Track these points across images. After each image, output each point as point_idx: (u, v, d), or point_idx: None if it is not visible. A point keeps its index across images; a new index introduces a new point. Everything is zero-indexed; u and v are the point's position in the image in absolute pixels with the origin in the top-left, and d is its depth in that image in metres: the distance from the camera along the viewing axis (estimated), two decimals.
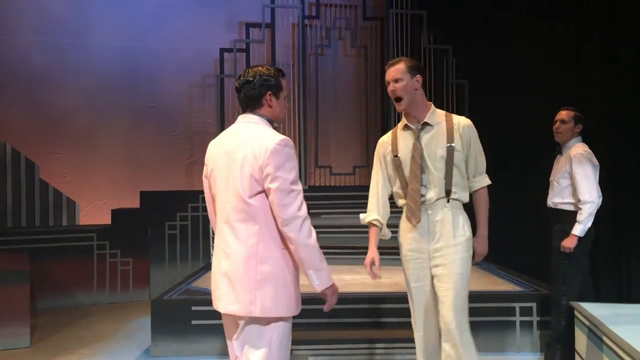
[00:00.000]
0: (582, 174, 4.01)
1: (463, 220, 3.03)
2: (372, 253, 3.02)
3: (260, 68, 2.51)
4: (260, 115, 2.49)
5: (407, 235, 3.07)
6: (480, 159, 3.10)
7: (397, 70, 2.99)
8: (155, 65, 7.80)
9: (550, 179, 4.34)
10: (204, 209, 6.58)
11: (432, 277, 3.01)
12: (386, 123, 7.56)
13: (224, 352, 4.49)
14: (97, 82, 7.64)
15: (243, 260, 2.36)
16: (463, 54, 7.23)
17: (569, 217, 4.08)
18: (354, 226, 6.50)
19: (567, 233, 4.05)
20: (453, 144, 2.98)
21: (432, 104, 3.11)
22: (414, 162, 2.99)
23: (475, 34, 7.12)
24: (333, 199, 7.23)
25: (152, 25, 7.82)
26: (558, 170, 4.24)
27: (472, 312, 4.51)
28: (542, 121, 4.81)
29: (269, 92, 2.48)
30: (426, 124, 3.03)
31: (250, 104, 2.49)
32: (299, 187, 2.36)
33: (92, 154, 7.64)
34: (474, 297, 4.66)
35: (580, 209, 4.00)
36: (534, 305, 4.61)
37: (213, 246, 2.65)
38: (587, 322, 3.66)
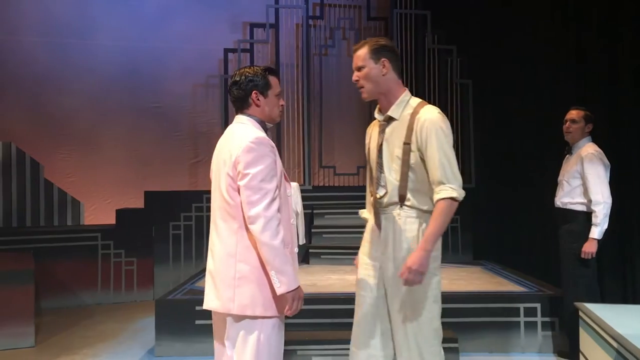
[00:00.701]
0: (594, 174, 3.98)
1: (418, 232, 2.55)
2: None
3: (246, 69, 2.52)
4: (249, 116, 2.50)
5: (364, 236, 2.79)
6: (439, 165, 2.48)
7: (358, 57, 2.60)
8: (159, 65, 7.80)
9: (560, 179, 4.31)
10: (208, 209, 6.57)
11: (384, 293, 2.65)
12: None
13: None
14: (101, 83, 7.65)
15: (223, 258, 2.39)
16: (467, 53, 7.22)
17: (578, 218, 4.06)
18: (357, 226, 6.46)
19: (575, 233, 4.04)
20: (410, 143, 2.54)
21: (405, 92, 2.65)
22: (371, 159, 2.71)
23: (479, 33, 7.11)
24: (337, 199, 7.23)
25: (155, 25, 7.83)
26: (568, 170, 4.21)
27: (477, 312, 4.55)
28: (548, 120, 4.80)
29: (255, 91, 2.48)
30: (390, 117, 2.63)
31: (239, 105, 2.52)
32: (270, 186, 2.32)
33: (96, 154, 7.66)
34: (478, 297, 4.69)
35: (592, 210, 3.97)
36: (538, 305, 4.60)
37: None
38: (592, 323, 3.64)
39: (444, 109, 7.18)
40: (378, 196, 2.65)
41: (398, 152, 2.57)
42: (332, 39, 7.98)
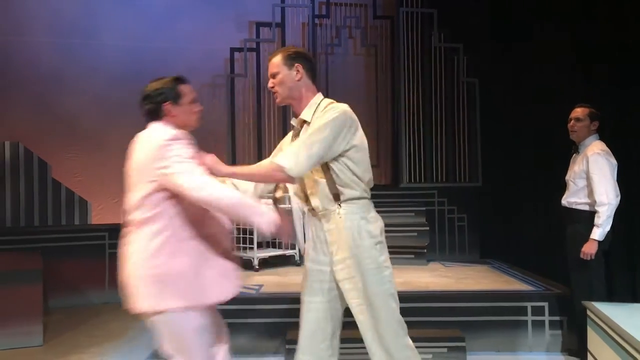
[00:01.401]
0: (599, 174, 3.93)
1: (363, 226, 2.58)
2: None
3: (155, 82, 2.60)
4: (164, 124, 2.54)
5: (310, 242, 2.75)
6: (297, 142, 2.54)
7: (272, 64, 2.65)
8: (165, 65, 7.80)
9: (567, 178, 4.29)
10: None
11: (337, 294, 2.66)
12: (397, 122, 7.54)
13: (236, 351, 4.47)
14: (107, 83, 7.67)
15: (131, 259, 2.46)
16: (474, 52, 7.20)
17: (584, 217, 4.03)
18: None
19: (581, 233, 4.01)
20: None
21: (318, 95, 2.67)
22: None
23: (486, 31, 7.08)
24: None
25: (161, 25, 7.85)
26: (574, 170, 4.17)
27: (484, 311, 4.53)
28: (556, 119, 4.77)
29: (167, 103, 2.54)
30: (303, 121, 2.64)
31: (152, 117, 2.58)
32: (189, 165, 2.37)
33: (103, 153, 7.67)
34: (485, 296, 4.67)
35: (596, 211, 3.94)
36: (546, 304, 4.58)
37: None
38: (600, 322, 3.63)
39: (450, 107, 7.30)
40: (314, 204, 2.64)
41: None
42: (339, 38, 7.97)
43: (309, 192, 2.65)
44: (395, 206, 6.43)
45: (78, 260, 6.54)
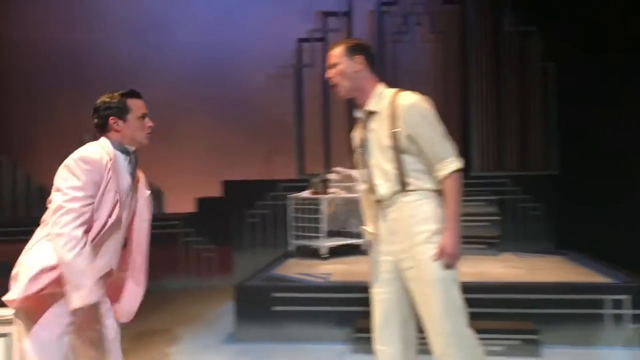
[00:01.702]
0: None
1: (429, 211, 2.55)
2: None
3: (105, 95, 2.56)
4: (110, 139, 2.52)
5: (373, 237, 2.74)
6: (436, 143, 2.53)
7: (332, 55, 2.64)
8: (235, 58, 7.98)
9: None
10: (283, 197, 6.71)
11: (403, 283, 2.62)
12: (466, 110, 7.37)
13: (305, 338, 4.57)
14: (179, 77, 7.91)
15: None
16: (550, 35, 6.91)
17: None
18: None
19: None
20: (397, 129, 2.53)
21: (381, 85, 2.67)
22: (360, 157, 2.70)
23: (562, 12, 6.77)
24: None
25: (231, 18, 8.00)
26: None
27: (559, 304, 4.38)
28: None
29: (113, 117, 2.51)
30: (371, 112, 2.63)
31: (100, 130, 2.55)
32: (75, 205, 2.30)
33: (176, 145, 7.94)
34: (560, 288, 4.51)
35: None
36: (627, 298, 4.36)
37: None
38: None
39: (525, 93, 7.06)
40: (381, 193, 2.62)
41: (387, 141, 2.57)
42: (406, 25, 7.85)
43: (376, 181, 2.63)
44: (465, 195, 6.28)
45: (154, 248, 6.75)
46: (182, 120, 7.95)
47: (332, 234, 6.24)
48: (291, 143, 7.67)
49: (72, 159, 2.37)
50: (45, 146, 7.40)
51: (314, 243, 5.88)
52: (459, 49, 7.80)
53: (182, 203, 7.68)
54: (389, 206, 2.61)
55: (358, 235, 6.08)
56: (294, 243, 6.08)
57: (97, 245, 2.42)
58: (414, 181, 2.56)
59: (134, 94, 2.60)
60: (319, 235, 5.81)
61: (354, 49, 2.63)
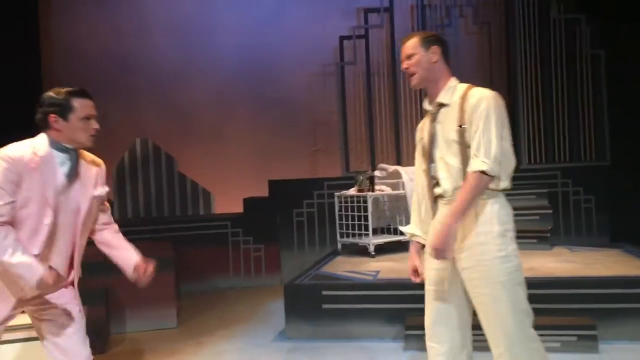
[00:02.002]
0: None
1: (493, 211, 2.49)
2: (411, 262, 2.82)
3: (51, 91, 2.46)
4: (48, 137, 2.44)
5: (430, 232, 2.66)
6: (484, 137, 2.43)
7: (408, 47, 2.62)
8: (277, 57, 8.05)
9: None
10: (330, 196, 6.74)
11: (461, 282, 2.57)
12: (513, 101, 7.23)
13: (355, 336, 4.58)
14: (224, 79, 8.04)
15: None
16: (599, 22, 6.71)
17: None
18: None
19: None
20: (465, 125, 2.49)
21: (454, 79, 2.64)
22: (425, 150, 2.65)
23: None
24: None
25: (272, 18, 8.07)
26: None
27: (617, 298, 4.25)
28: None
29: (54, 115, 2.41)
30: (441, 104, 2.60)
31: (41, 127, 2.46)
32: None
33: (222, 146, 8.08)
34: (618, 282, 4.37)
35: None
36: None
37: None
38: None
39: (573, 82, 6.88)
40: (444, 188, 2.56)
41: (454, 135, 2.52)
42: (449, 18, 7.75)
43: (440, 176, 2.58)
44: (515, 188, 6.15)
45: (204, 248, 6.94)
46: (227, 122, 8.08)
47: (379, 231, 6.22)
48: (335, 141, 7.69)
49: None
50: (98, 152, 7.61)
51: (361, 240, 5.88)
52: (503, 40, 7.65)
53: (230, 204, 7.80)
54: (451, 203, 2.53)
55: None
56: (341, 241, 6.09)
57: (44, 250, 2.39)
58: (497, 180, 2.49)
59: (81, 94, 2.48)
60: (366, 232, 5.80)
61: (430, 40, 2.62)
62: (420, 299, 2.72)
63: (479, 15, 7.72)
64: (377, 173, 6.37)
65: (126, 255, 2.69)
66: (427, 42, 2.61)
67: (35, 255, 2.35)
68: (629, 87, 6.37)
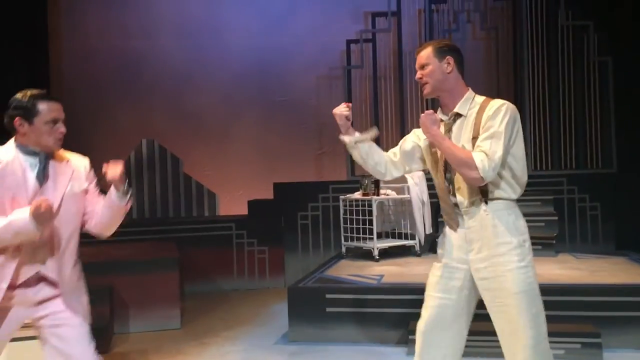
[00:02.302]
0: None
1: (511, 222, 2.49)
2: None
3: (18, 94, 2.44)
4: (15, 140, 2.45)
5: (445, 239, 2.66)
6: (492, 139, 2.42)
7: (422, 56, 2.61)
8: (285, 60, 8.06)
9: None
10: (335, 199, 6.74)
11: (468, 294, 2.58)
12: (519, 107, 7.21)
13: (358, 340, 4.57)
14: (232, 80, 8.06)
15: None
16: (606, 29, 6.70)
17: None
18: None
19: None
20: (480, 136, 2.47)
21: (469, 90, 2.63)
22: (441, 159, 2.60)
23: (619, 6, 6.56)
24: None
25: (280, 22, 8.09)
26: None
27: (622, 306, 4.23)
28: None
29: (18, 118, 2.39)
30: (457, 114, 2.58)
31: (9, 129, 2.45)
32: None
33: (228, 148, 8.09)
34: (623, 290, 4.35)
35: None
36: None
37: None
38: None
39: (580, 88, 6.86)
40: (460, 198, 2.54)
41: (468, 146, 2.50)
42: (456, 23, 7.75)
43: (456, 186, 2.56)
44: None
45: (208, 249, 6.95)
46: (234, 124, 8.10)
47: (383, 235, 6.22)
48: (341, 144, 7.64)
49: None
50: (106, 150, 7.63)
51: (365, 244, 5.87)
52: (511, 45, 7.65)
53: (234, 205, 7.81)
54: (467, 213, 2.54)
55: (410, 237, 6.04)
56: (345, 244, 6.09)
57: (27, 250, 2.39)
58: (493, 189, 2.50)
59: (45, 97, 2.44)
60: (371, 236, 5.80)
61: (444, 50, 2.60)
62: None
63: (486, 20, 7.72)
64: None
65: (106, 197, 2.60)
66: (441, 53, 2.59)
67: (20, 256, 2.37)
68: (636, 94, 6.36)
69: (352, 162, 7.58)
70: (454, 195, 2.58)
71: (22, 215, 2.30)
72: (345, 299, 4.66)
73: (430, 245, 6.37)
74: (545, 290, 4.30)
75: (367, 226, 5.81)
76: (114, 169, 2.49)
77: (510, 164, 2.49)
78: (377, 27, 7.73)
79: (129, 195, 2.55)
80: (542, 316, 2.50)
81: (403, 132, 7.53)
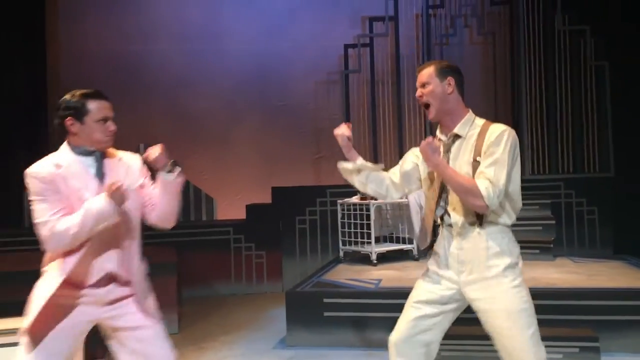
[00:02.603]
0: None
1: (504, 245, 2.51)
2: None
3: (68, 94, 2.46)
4: (67, 143, 2.47)
5: (436, 257, 2.67)
6: (494, 166, 2.42)
7: (423, 75, 2.62)
8: (284, 65, 8.07)
9: None
10: (332, 203, 6.73)
11: (452, 312, 2.63)
12: (517, 111, 7.24)
13: (356, 345, 4.57)
14: (231, 85, 8.07)
15: None
16: (603, 34, 6.72)
17: None
18: None
19: None
20: (480, 159, 2.48)
21: (469, 111, 2.63)
22: (436, 180, 2.60)
23: (615, 11, 6.59)
24: None
25: (279, 27, 8.10)
26: None
27: (620, 310, 4.23)
28: None
29: (70, 118, 2.41)
30: (456, 135, 2.58)
31: (59, 131, 2.47)
32: (44, 218, 2.33)
33: (226, 152, 8.09)
34: (621, 294, 4.36)
35: None
36: None
37: None
38: None
39: (577, 93, 6.88)
40: (454, 219, 2.55)
41: (467, 169, 2.51)
42: (454, 28, 7.78)
43: (451, 207, 2.58)
44: None
45: (206, 254, 6.93)
46: (232, 129, 8.10)
47: (381, 239, 6.22)
48: (339, 149, 7.66)
49: (26, 174, 2.39)
50: None
51: (363, 248, 5.87)
52: (508, 50, 7.68)
53: (232, 210, 7.80)
54: (461, 234, 2.56)
55: (408, 241, 6.04)
56: (343, 249, 6.09)
57: (88, 250, 2.42)
58: (491, 214, 2.51)
59: (96, 95, 2.45)
60: (368, 240, 5.80)
61: (446, 71, 2.61)
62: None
63: (483, 25, 7.74)
64: None
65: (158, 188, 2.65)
66: (443, 73, 2.60)
67: (86, 255, 2.40)
68: (633, 99, 6.38)
69: None
70: (449, 215, 2.59)
71: (98, 200, 2.33)
72: (343, 304, 4.66)
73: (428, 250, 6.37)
74: (543, 294, 4.34)
75: (365, 230, 5.81)
76: (153, 151, 2.53)
77: (507, 189, 2.49)
78: (374, 32, 7.75)
79: (177, 171, 2.60)
80: (536, 338, 2.51)
81: (400, 137, 7.56)
